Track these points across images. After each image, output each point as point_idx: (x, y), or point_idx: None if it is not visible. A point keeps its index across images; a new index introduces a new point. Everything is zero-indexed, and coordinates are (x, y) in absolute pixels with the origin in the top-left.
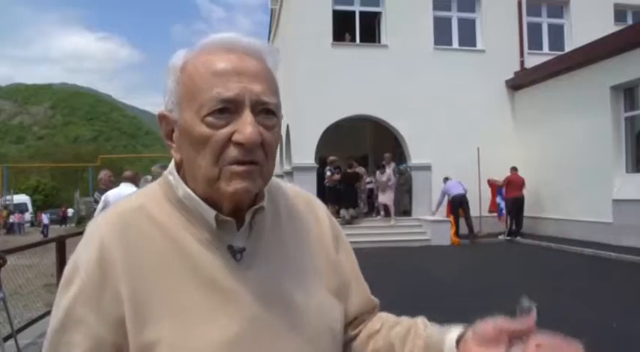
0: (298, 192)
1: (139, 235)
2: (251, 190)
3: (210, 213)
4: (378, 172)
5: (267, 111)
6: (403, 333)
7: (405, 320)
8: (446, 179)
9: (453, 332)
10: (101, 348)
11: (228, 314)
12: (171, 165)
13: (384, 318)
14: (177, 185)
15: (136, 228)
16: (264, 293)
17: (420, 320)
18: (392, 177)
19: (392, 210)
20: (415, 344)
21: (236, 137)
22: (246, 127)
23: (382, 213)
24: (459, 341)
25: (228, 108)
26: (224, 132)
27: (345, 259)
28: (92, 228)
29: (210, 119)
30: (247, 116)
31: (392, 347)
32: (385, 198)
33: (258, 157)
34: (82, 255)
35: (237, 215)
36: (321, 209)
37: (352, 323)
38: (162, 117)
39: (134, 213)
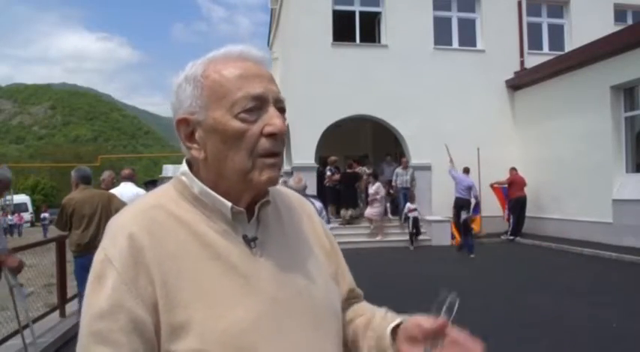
0: (290, 192)
1: (162, 228)
2: (278, 178)
3: (227, 206)
4: (369, 185)
5: (281, 110)
6: (363, 324)
7: (370, 310)
8: (465, 170)
9: (392, 323)
10: (144, 329)
11: (251, 297)
12: (183, 166)
13: (355, 309)
14: (192, 183)
15: (158, 222)
16: (278, 277)
17: (379, 312)
18: (381, 190)
19: (379, 224)
20: (367, 335)
21: (268, 129)
22: (275, 119)
23: (370, 227)
24: (394, 331)
25: (256, 106)
26: (256, 127)
27: (333, 252)
28: (116, 223)
29: (243, 115)
30: (274, 111)
31: (356, 337)
32: (372, 211)
33: (282, 148)
34: (111, 248)
35: (246, 209)
36: (310, 207)
37: None
38: (181, 121)
39: (154, 210)
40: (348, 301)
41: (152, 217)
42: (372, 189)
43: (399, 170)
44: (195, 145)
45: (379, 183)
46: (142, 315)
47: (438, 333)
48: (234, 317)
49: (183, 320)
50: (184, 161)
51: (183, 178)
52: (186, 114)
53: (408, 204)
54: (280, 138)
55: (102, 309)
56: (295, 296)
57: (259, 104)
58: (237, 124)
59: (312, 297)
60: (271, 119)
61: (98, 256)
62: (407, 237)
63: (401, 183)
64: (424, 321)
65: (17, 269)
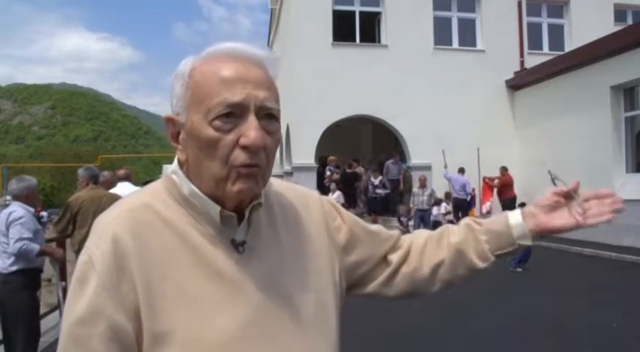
0: (287, 187)
1: (149, 230)
2: (253, 190)
3: (215, 209)
4: (330, 193)
5: (269, 117)
6: (462, 239)
7: (446, 228)
8: (460, 170)
9: (512, 214)
10: (123, 337)
11: (236, 303)
12: (174, 165)
13: (421, 235)
14: (183, 183)
15: (145, 223)
16: (266, 283)
17: (465, 222)
18: (340, 199)
19: None
20: (479, 241)
21: (242, 141)
22: (251, 131)
23: None
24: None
25: (234, 113)
26: (231, 137)
27: (343, 221)
28: (102, 224)
29: (217, 123)
30: (252, 120)
31: (461, 254)
32: None
33: (261, 161)
34: (95, 250)
35: (237, 211)
36: (312, 198)
37: (385, 259)
38: (169, 120)
39: (142, 210)
40: (394, 243)
41: (138, 218)
42: (332, 197)
43: (415, 190)
44: (179, 146)
45: (339, 192)
46: (122, 322)
47: (574, 192)
48: (218, 326)
49: (165, 328)
50: (176, 159)
51: (174, 177)
52: (174, 113)
53: (444, 204)
54: (255, 151)
55: (82, 314)
56: (284, 303)
57: (238, 112)
58: (210, 132)
59: (303, 303)
60: (247, 130)
61: (82, 257)
62: None
63: (418, 203)
64: (556, 190)
65: (62, 260)
